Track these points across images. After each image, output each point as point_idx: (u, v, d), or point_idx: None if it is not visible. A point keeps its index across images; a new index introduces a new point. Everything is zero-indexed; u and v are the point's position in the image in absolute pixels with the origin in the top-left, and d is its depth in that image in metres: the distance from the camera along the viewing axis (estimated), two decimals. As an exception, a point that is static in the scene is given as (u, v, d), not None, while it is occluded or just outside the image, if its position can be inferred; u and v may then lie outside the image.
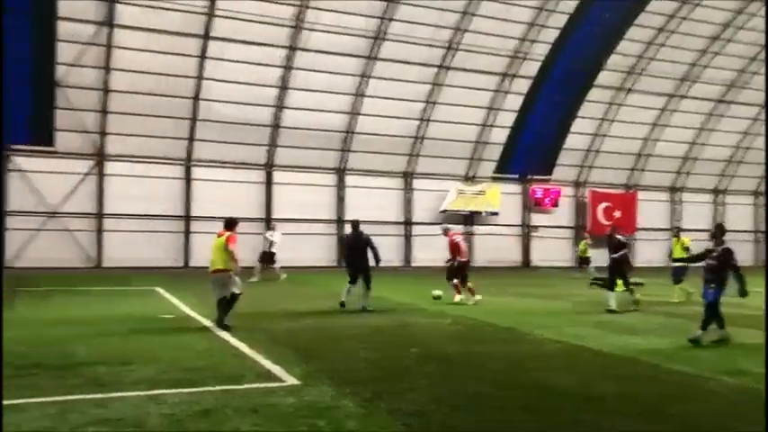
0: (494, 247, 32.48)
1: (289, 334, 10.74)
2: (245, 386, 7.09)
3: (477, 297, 15.35)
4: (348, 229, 28.80)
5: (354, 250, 14.20)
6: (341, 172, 30.03)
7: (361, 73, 28.46)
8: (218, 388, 6.97)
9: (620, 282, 14.82)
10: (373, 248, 14.07)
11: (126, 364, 8.11)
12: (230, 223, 11.28)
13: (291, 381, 7.36)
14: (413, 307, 14.80)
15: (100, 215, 25.98)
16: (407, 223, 31.22)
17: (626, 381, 7.63)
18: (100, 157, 26.11)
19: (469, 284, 15.51)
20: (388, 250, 30.12)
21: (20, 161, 25.02)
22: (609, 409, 6.43)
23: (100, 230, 25.98)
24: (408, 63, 28.70)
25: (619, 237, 15.02)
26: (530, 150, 32.78)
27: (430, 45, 28.71)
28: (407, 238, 31.18)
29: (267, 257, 21.61)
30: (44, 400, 6.37)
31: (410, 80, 29.21)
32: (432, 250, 30.85)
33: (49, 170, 25.20)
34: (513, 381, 7.66)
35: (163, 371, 7.80)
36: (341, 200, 29.95)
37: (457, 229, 17.27)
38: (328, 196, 29.75)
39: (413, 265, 30.70)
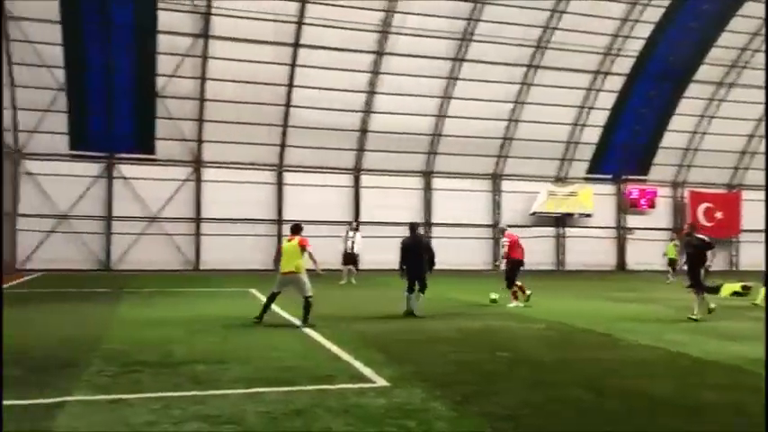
0: (587, 249, 31.59)
1: (378, 336, 10.81)
2: (337, 386, 7.19)
3: (527, 294, 15.46)
4: (435, 231, 29.22)
5: (412, 255, 13.56)
6: (427, 175, 30.03)
7: (448, 75, 28.39)
8: (310, 388, 7.10)
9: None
10: (431, 253, 13.55)
11: (223, 362, 8.40)
12: (297, 228, 12.14)
13: (381, 382, 7.40)
14: (503, 311, 14.60)
15: (197, 219, 27.07)
16: (496, 226, 30.82)
17: (728, 390, 7.22)
18: (197, 163, 27.22)
19: (519, 284, 15.59)
20: (475, 253, 30.06)
21: (124, 169, 26.43)
22: (710, 420, 6.11)
23: (197, 234, 27.06)
24: (496, 63, 28.39)
25: (700, 236, 14.03)
26: (624, 149, 31.69)
27: (518, 45, 28.29)
28: (496, 241, 30.78)
29: (350, 259, 21.72)
30: (148, 395, 6.68)
31: (498, 81, 28.88)
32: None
33: (151, 177, 26.50)
34: (609, 387, 7.40)
35: (258, 370, 8.03)
36: (427, 203, 29.94)
37: (516, 230, 16.93)
38: (415, 199, 29.81)
39: (503, 268, 30.20)
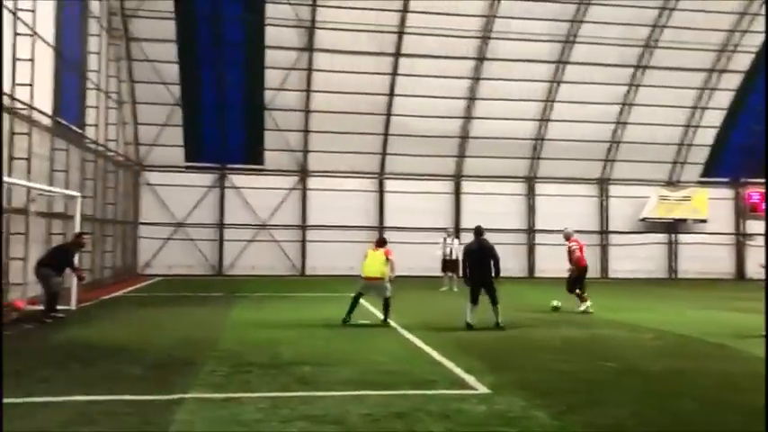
0: (701, 256, 29.94)
1: (479, 343, 10.78)
2: (438, 392, 7.25)
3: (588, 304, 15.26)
4: (538, 238, 28.69)
5: (476, 261, 12.70)
6: (530, 180, 29.52)
7: (551, 78, 27.85)
8: (412, 392, 7.20)
9: None
10: (496, 259, 12.65)
11: (328, 365, 8.66)
12: (383, 242, 13.69)
13: (482, 389, 7.40)
14: (611, 320, 14.16)
15: (303, 227, 27.91)
16: (603, 232, 29.85)
17: None
18: (303, 173, 28.08)
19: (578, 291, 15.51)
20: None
21: (234, 179, 27.66)
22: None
23: (303, 241, 27.88)
24: (601, 65, 27.54)
25: None
26: (742, 151, 29.84)
27: (624, 45, 27.33)
28: (603, 247, 29.81)
29: (450, 265, 21.59)
30: (257, 395, 7.00)
31: (604, 82, 27.99)
32: (631, 261, 29.34)
33: (259, 186, 27.59)
34: (724, 401, 7.05)
35: (361, 373, 8.22)
36: (531, 209, 29.43)
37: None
38: (517, 205, 29.38)
39: (610, 276, 29.26)
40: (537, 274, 28.65)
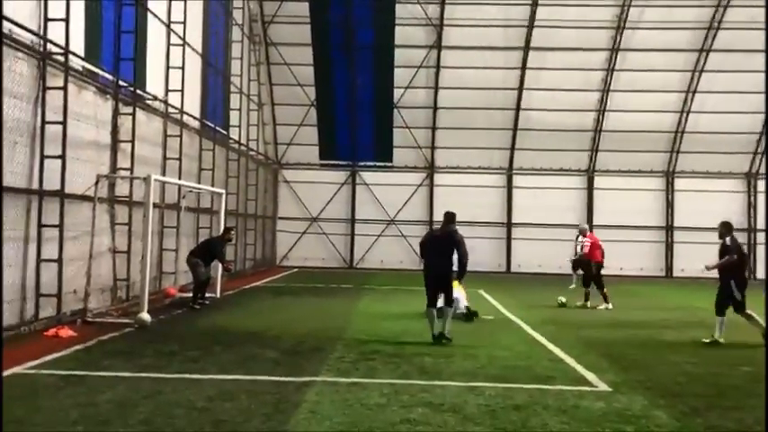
0: None
1: (606, 342, 10.63)
2: (557, 387, 7.33)
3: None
4: (677, 235, 27.34)
5: (434, 252, 10.26)
6: (669, 174, 28.13)
7: (692, 68, 26.39)
8: (530, 386, 7.33)
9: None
10: (462, 255, 10.09)
11: (448, 357, 8.94)
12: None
13: (603, 387, 7.39)
14: (744, 322, 13.36)
15: (431, 222, 28.28)
16: (752, 230, 27.87)
17: None
18: (430, 169, 28.47)
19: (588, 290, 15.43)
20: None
21: (365, 176, 28.55)
22: None
23: (431, 236, 28.27)
24: (751, 51, 25.68)
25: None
26: None
27: (776, 28, 25.37)
28: (753, 246, 27.85)
29: (579, 264, 21.14)
30: (381, 381, 7.42)
31: (753, 70, 26.11)
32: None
33: (388, 183, 28.29)
34: None
35: (481, 366, 8.44)
36: (669, 205, 28.05)
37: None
38: (656, 201, 28.09)
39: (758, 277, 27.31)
40: (676, 274, 27.31)
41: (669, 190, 28.17)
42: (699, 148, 27.36)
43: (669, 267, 27.83)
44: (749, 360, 9.26)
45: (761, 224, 27.79)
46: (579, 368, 8.38)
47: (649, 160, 27.86)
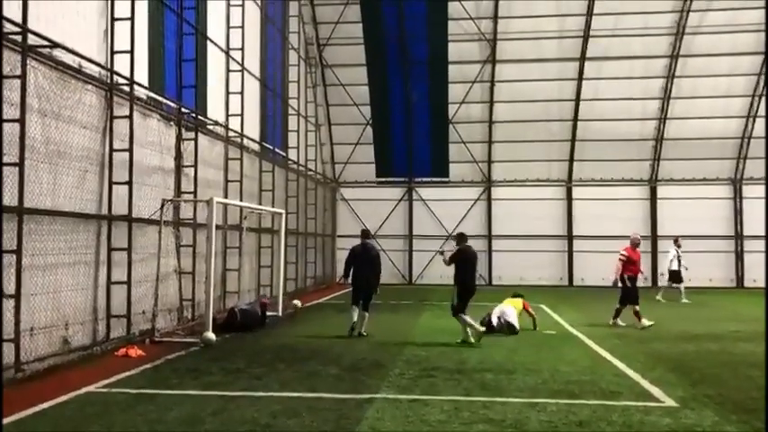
0: None
1: (676, 356, 10.34)
2: (622, 403, 7.18)
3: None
4: (747, 245, 26.29)
5: (365, 264, 12.63)
6: (737, 182, 27.16)
7: (756, 71, 25.52)
8: (594, 402, 7.20)
9: None
10: (379, 265, 12.91)
11: (510, 372, 8.86)
12: (519, 295, 14.00)
13: (670, 402, 7.20)
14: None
15: (489, 236, 28.07)
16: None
17: None
18: (487, 183, 28.30)
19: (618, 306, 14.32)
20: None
21: (422, 192, 28.61)
22: None
23: (489, 251, 28.02)
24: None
25: None
26: None
27: None
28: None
29: (673, 276, 20.84)
30: (442, 398, 7.41)
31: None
32: None
33: (445, 198, 28.26)
34: None
35: (543, 381, 8.33)
36: (738, 212, 27.06)
37: None
38: (723, 209, 27.15)
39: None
40: (747, 284, 26.29)
41: (737, 197, 27.21)
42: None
43: (740, 277, 26.81)
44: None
45: None
46: (645, 383, 8.18)
47: (715, 167, 27.01)
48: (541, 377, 8.57)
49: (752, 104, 26.09)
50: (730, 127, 26.55)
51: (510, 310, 13.06)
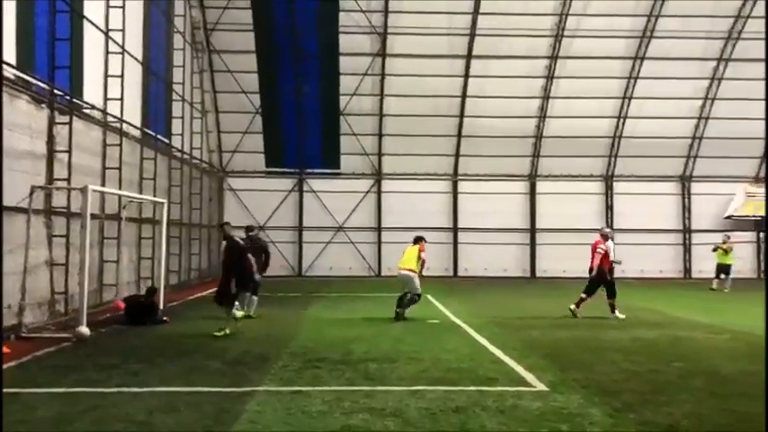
0: (793, 255, 28.62)
1: (547, 343, 10.87)
2: (497, 389, 7.48)
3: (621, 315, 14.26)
4: (618, 237, 27.88)
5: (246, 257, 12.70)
6: (608, 179, 28.93)
7: (627, 75, 27.23)
8: (471, 388, 7.47)
9: None
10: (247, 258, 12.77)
11: (393, 361, 9.02)
12: (419, 239, 14.43)
13: (541, 387, 7.58)
14: (690, 321, 13.89)
15: (379, 229, 28.40)
16: (686, 231, 28.90)
17: None
18: (378, 176, 28.59)
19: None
20: (666, 261, 28.44)
21: (313, 183, 28.49)
22: None
23: (379, 242, 28.37)
24: (680, 59, 26.68)
25: None
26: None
27: (705, 38, 26.45)
28: (687, 247, 28.89)
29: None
30: (324, 388, 7.43)
31: (683, 77, 27.09)
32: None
33: (336, 190, 28.29)
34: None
35: (425, 369, 8.54)
36: (609, 208, 28.85)
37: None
38: (594, 204, 28.83)
39: (694, 276, 28.34)
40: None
41: (608, 193, 28.99)
42: (636, 152, 28.21)
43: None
44: (684, 357, 9.65)
45: (695, 225, 28.90)
46: (520, 369, 8.57)
47: (589, 164, 28.62)
48: (423, 365, 8.79)
49: (622, 106, 27.82)
50: (603, 127, 28.23)
51: (407, 273, 13.73)
